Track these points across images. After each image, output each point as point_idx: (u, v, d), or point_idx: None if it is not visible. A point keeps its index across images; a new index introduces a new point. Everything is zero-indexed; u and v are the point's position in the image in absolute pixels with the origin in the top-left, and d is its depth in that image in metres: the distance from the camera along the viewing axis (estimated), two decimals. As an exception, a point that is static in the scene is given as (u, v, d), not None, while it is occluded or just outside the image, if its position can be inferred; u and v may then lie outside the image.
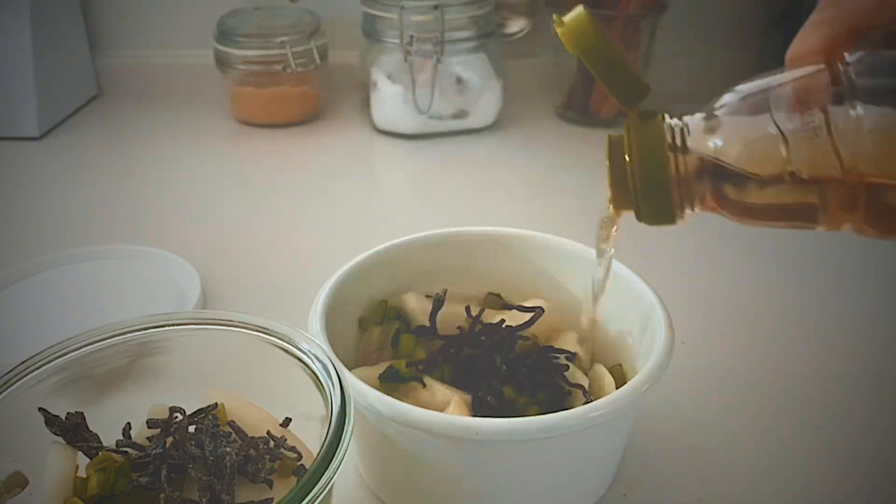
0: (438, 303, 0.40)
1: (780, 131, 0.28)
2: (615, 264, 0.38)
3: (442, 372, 0.38)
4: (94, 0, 0.90)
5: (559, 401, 0.38)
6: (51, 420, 0.31)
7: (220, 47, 0.79)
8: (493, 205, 0.67)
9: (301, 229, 0.63)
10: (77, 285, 0.54)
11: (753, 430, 0.42)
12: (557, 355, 0.39)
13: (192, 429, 0.32)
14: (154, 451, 0.31)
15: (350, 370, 0.33)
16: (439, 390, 0.37)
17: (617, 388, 0.35)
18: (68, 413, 0.31)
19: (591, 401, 0.32)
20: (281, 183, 0.71)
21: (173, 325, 0.34)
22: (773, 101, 0.28)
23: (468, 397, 0.37)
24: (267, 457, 0.31)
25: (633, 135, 0.30)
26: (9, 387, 0.30)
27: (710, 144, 0.29)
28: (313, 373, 0.31)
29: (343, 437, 0.27)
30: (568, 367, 0.38)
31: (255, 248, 0.60)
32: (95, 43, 0.90)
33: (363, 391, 0.32)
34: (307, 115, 0.82)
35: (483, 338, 0.39)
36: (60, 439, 0.31)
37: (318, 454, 0.27)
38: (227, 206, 0.67)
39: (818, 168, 0.27)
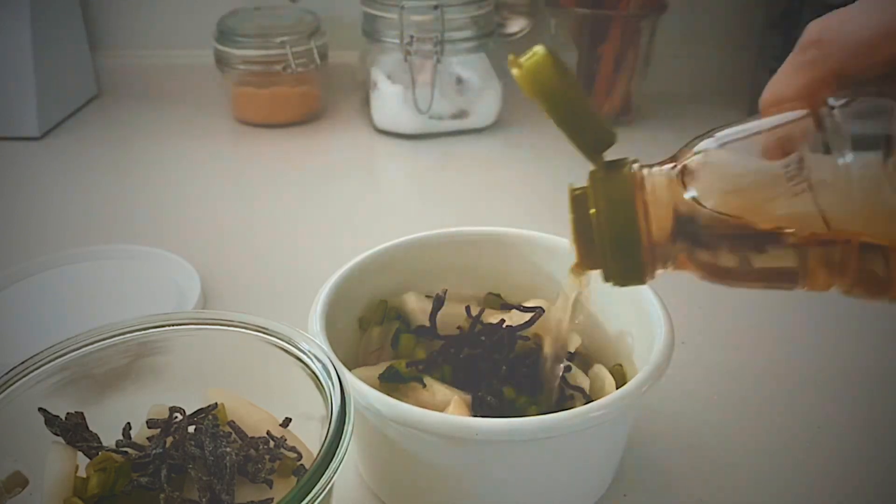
0: (438, 303, 0.40)
1: (766, 182, 0.25)
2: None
3: (442, 372, 0.38)
4: (93, 0, 0.90)
5: (559, 401, 0.38)
6: (51, 420, 0.31)
7: (220, 47, 0.79)
8: (493, 205, 0.67)
9: (301, 229, 0.63)
10: (77, 285, 0.54)
11: (753, 430, 0.42)
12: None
13: (192, 429, 0.32)
14: (154, 451, 0.31)
15: (350, 370, 0.33)
16: (439, 390, 0.37)
17: (617, 388, 0.35)
18: (68, 413, 0.31)
19: (591, 401, 0.32)
20: (281, 183, 0.71)
21: (173, 325, 0.34)
22: (754, 149, 0.26)
23: (468, 397, 0.37)
24: (267, 457, 0.31)
25: (600, 188, 0.28)
26: (9, 387, 0.30)
27: (686, 197, 0.26)
28: (313, 373, 0.31)
29: (343, 437, 0.27)
30: (570, 369, 0.38)
31: (255, 248, 0.60)
32: (95, 43, 0.90)
33: (363, 391, 0.32)
34: (307, 115, 0.82)
35: (483, 338, 0.39)
36: (60, 439, 0.31)
37: (318, 454, 0.27)
38: (228, 206, 0.67)
39: (805, 224, 0.25)
